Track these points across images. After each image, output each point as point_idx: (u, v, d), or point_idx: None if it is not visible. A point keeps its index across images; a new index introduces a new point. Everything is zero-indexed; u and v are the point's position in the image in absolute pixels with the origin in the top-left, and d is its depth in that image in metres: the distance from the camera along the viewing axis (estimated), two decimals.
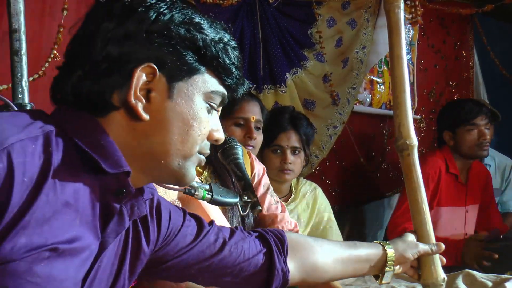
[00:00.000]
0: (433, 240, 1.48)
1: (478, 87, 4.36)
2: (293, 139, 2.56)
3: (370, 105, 3.68)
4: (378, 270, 1.37)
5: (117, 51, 0.88)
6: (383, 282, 1.38)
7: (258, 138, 2.26)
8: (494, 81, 4.34)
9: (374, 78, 3.70)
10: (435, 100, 4.11)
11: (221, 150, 1.57)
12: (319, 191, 2.74)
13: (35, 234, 0.77)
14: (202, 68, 0.94)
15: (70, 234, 0.83)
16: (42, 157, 0.80)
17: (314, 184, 2.77)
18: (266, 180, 1.99)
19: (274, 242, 1.24)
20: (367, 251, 1.35)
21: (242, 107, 2.25)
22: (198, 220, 1.17)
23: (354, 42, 3.46)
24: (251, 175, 1.90)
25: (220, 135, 1.00)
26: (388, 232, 2.96)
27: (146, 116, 0.89)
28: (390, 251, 1.37)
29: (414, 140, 1.59)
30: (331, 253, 1.31)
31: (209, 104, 0.96)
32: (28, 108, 1.41)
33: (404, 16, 3.74)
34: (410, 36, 3.88)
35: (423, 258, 1.46)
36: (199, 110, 0.94)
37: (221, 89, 0.97)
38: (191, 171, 0.97)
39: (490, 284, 2.06)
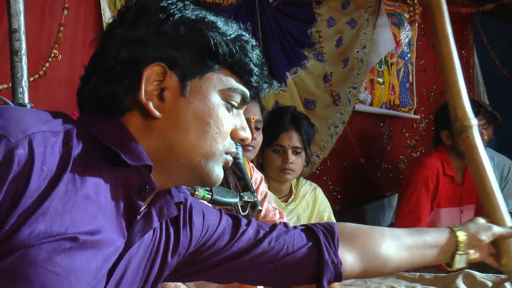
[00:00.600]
0: (509, 223, 1.33)
1: (478, 87, 4.36)
2: (294, 139, 2.57)
3: (371, 104, 3.69)
4: (450, 255, 1.26)
5: (128, 54, 0.90)
6: (457, 267, 1.27)
7: (258, 138, 2.26)
8: (494, 81, 4.33)
9: (375, 78, 3.70)
10: (435, 100, 4.10)
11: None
12: (319, 191, 2.74)
13: (55, 222, 0.78)
14: (216, 66, 0.93)
15: (91, 226, 0.83)
16: (62, 150, 0.82)
17: (314, 184, 2.77)
18: (263, 188, 1.99)
19: (323, 234, 1.17)
20: (434, 236, 1.25)
21: None
22: (235, 219, 1.15)
23: (354, 42, 3.47)
24: None
25: (246, 134, 0.98)
26: None
27: (158, 114, 0.90)
28: (461, 234, 1.26)
29: (472, 120, 1.42)
30: (393, 240, 1.21)
31: (227, 102, 0.95)
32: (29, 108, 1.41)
33: (403, 16, 3.75)
34: (410, 36, 3.88)
35: (502, 244, 1.31)
36: (215, 107, 0.93)
37: (239, 87, 0.96)
38: (215, 170, 0.95)
39: (490, 284, 2.06)
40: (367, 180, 3.72)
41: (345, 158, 3.63)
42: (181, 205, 1.05)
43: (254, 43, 0.98)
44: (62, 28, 2.40)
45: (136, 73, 0.89)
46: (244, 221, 1.15)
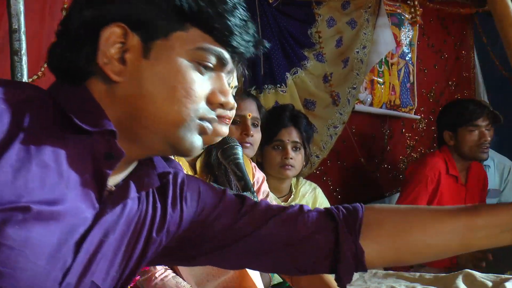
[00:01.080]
0: None
1: (478, 87, 4.36)
2: (294, 135, 2.58)
3: (371, 105, 3.69)
4: None
5: (90, 14, 0.85)
6: None
7: (256, 135, 2.26)
8: (494, 81, 4.33)
9: (375, 78, 3.70)
10: (435, 100, 4.11)
11: (221, 150, 1.57)
12: (319, 191, 2.75)
13: (4, 191, 0.73)
14: (185, 25, 0.86)
15: (51, 196, 0.77)
16: (11, 118, 0.77)
17: (314, 184, 2.78)
18: (265, 187, 1.99)
19: (344, 219, 1.02)
20: (497, 213, 0.99)
21: (238, 105, 2.27)
22: (240, 198, 1.04)
23: (354, 42, 3.47)
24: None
25: (225, 99, 0.90)
26: None
27: (117, 78, 0.84)
28: None
29: None
30: (434, 224, 1.00)
31: (198, 63, 0.87)
32: None
33: (403, 16, 3.75)
34: (410, 36, 3.88)
35: None
36: (181, 69, 0.85)
37: (212, 47, 0.87)
38: (188, 138, 0.87)
39: (490, 284, 2.05)
40: (367, 180, 3.72)
41: (345, 158, 3.63)
42: (170, 180, 0.98)
43: (236, 0, 0.90)
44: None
45: (96, 34, 0.84)
46: (249, 201, 1.04)
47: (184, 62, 0.86)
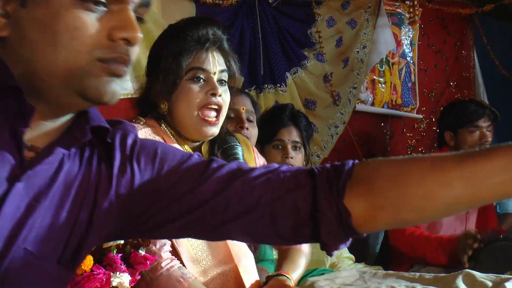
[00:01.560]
0: None
1: (478, 87, 4.36)
2: (294, 134, 2.58)
3: (372, 104, 3.69)
4: None
5: None
6: None
7: (252, 130, 2.27)
8: (494, 81, 4.34)
9: (376, 78, 3.70)
10: (436, 100, 4.11)
11: (221, 150, 1.58)
12: None
13: None
14: None
15: None
16: None
17: None
18: None
19: (326, 176, 0.87)
20: (505, 156, 0.81)
21: (232, 100, 2.28)
22: (207, 161, 0.93)
23: (354, 42, 3.47)
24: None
25: (127, 33, 0.80)
26: (389, 234, 2.97)
27: (3, 33, 0.79)
28: None
29: None
30: (433, 173, 0.83)
31: (83, 0, 0.78)
32: None
33: (404, 16, 3.75)
34: (411, 36, 3.89)
35: None
36: (61, 10, 0.77)
37: None
38: (93, 84, 0.80)
39: (490, 284, 2.05)
40: None
41: (346, 158, 3.56)
42: (117, 141, 0.91)
43: None
44: None
45: None
46: (217, 162, 0.92)
47: (64, 2, 0.77)
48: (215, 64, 1.58)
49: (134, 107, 1.70)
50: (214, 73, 1.58)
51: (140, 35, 0.81)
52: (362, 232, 0.87)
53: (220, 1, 2.92)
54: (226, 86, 1.63)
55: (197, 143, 1.64)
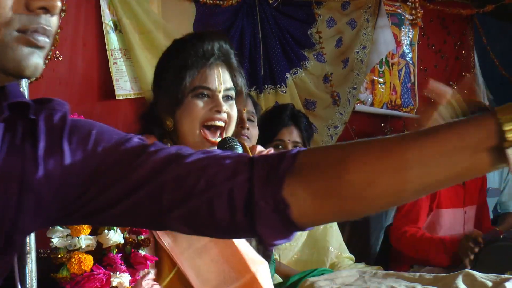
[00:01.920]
0: None
1: (478, 87, 4.36)
2: (294, 134, 2.58)
3: (372, 105, 3.69)
4: (487, 152, 0.71)
5: None
6: None
7: (253, 130, 2.27)
8: (494, 81, 4.33)
9: (375, 78, 3.70)
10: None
11: (221, 150, 1.57)
12: None
13: None
14: None
15: None
16: None
17: None
18: None
19: (266, 164, 0.80)
20: (455, 131, 0.73)
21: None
22: (148, 144, 0.87)
23: (354, 42, 3.48)
24: None
25: (45, 2, 0.75)
26: (390, 234, 2.97)
27: None
28: (505, 111, 0.71)
29: None
30: (383, 154, 0.75)
31: None
32: None
33: (405, 16, 3.75)
34: (411, 36, 3.89)
35: None
36: None
37: None
38: (12, 56, 0.75)
39: (490, 284, 2.05)
40: None
41: None
42: (42, 120, 0.85)
43: None
44: (59, 31, 2.40)
45: None
46: (156, 146, 0.85)
47: None
48: (220, 82, 1.55)
49: (138, 121, 1.68)
50: (219, 91, 1.56)
51: (58, 3, 0.77)
52: (305, 225, 0.80)
53: (220, 2, 2.93)
54: (233, 101, 1.60)
55: None
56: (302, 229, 0.80)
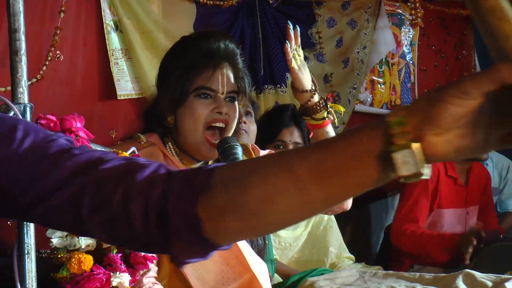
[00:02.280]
0: None
1: None
2: (295, 135, 2.58)
3: (371, 105, 3.70)
4: (376, 159, 0.69)
5: None
6: (405, 173, 0.73)
7: (251, 126, 2.26)
8: None
9: (375, 78, 3.70)
10: None
11: (221, 150, 1.57)
12: None
13: None
14: None
15: None
16: None
17: None
18: None
19: (180, 180, 0.77)
20: (349, 140, 0.70)
21: None
22: (73, 147, 0.82)
23: (354, 42, 3.48)
24: None
25: None
26: (390, 234, 2.97)
27: None
28: (394, 114, 0.67)
29: None
30: (283, 169, 0.72)
31: None
32: (28, 109, 1.41)
33: (405, 17, 3.75)
34: (411, 37, 3.89)
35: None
36: None
37: None
38: None
39: (490, 284, 2.05)
40: None
41: None
42: None
43: None
44: (58, 31, 2.40)
45: None
46: (81, 150, 0.82)
47: None
48: (224, 84, 1.55)
49: (140, 119, 1.68)
50: (222, 93, 1.56)
51: None
52: (220, 242, 0.78)
53: (221, 2, 2.93)
54: (235, 103, 1.60)
55: (201, 163, 1.63)
56: (217, 246, 0.78)
